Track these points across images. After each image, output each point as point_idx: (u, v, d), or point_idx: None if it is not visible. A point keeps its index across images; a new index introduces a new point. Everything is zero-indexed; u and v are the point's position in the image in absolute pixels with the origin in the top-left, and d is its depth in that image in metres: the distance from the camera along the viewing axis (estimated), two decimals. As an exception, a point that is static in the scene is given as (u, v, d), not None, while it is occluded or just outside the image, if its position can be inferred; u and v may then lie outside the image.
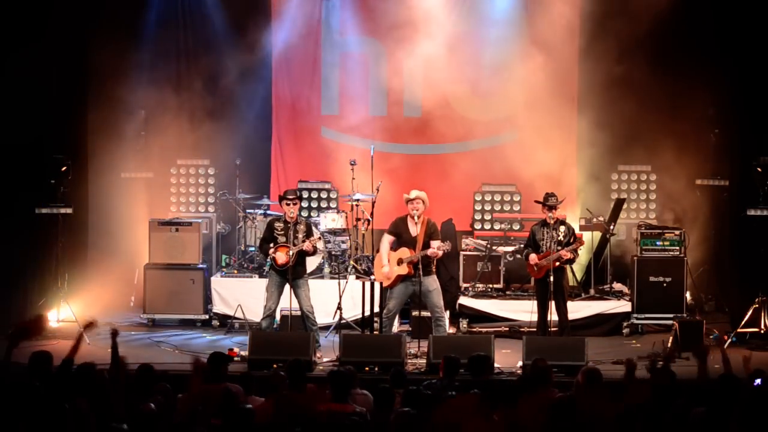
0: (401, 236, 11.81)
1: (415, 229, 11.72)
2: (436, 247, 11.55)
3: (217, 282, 13.84)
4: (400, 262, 11.70)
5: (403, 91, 15.09)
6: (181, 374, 9.19)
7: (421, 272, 11.56)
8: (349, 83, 15.17)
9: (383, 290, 12.35)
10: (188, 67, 14.83)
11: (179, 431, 7.15)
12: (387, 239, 11.91)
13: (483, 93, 15.07)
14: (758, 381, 7.76)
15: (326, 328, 12.74)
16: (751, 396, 7.29)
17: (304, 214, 14.63)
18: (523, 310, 12.78)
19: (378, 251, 12.21)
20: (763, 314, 12.72)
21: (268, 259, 12.00)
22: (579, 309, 13.20)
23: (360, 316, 12.49)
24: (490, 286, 13.87)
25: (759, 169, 12.94)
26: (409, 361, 11.39)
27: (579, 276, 13.90)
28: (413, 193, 11.79)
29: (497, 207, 14.94)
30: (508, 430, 7.12)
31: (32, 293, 13.19)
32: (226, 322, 13.49)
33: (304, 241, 11.75)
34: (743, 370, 8.08)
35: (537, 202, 12.25)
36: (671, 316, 12.98)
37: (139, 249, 14.22)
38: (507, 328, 13.30)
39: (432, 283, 11.76)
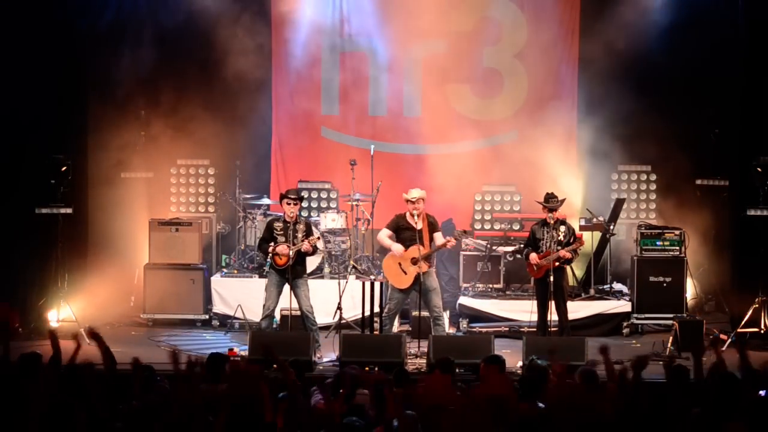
0: (403, 232, 11.79)
1: (417, 224, 11.70)
2: (447, 240, 11.61)
3: (217, 282, 13.85)
4: (415, 261, 11.66)
5: (403, 91, 15.10)
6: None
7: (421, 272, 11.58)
8: (349, 83, 15.17)
9: (383, 290, 12.35)
10: (188, 67, 14.81)
11: (174, 430, 7.13)
12: (386, 233, 11.89)
13: (483, 93, 15.09)
14: (763, 392, 7.72)
15: (326, 328, 12.74)
16: (755, 406, 7.26)
17: (304, 214, 14.63)
18: (523, 310, 12.77)
19: (378, 252, 12.22)
20: (763, 314, 12.73)
21: (268, 259, 11.99)
22: (579, 309, 13.20)
23: (360, 316, 12.49)
24: (490, 286, 13.89)
25: (759, 169, 12.94)
26: (409, 361, 11.39)
27: (579, 276, 13.91)
28: (414, 193, 11.78)
29: (497, 207, 14.96)
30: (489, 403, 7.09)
31: (32, 293, 13.18)
32: (226, 322, 13.50)
33: (303, 241, 11.76)
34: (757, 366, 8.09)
35: (538, 202, 12.25)
36: (671, 316, 12.99)
37: (139, 249, 14.23)
38: (507, 328, 13.29)
39: (432, 282, 11.77)
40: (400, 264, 11.77)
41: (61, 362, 8.41)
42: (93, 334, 8.45)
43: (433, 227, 11.77)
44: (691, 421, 7.19)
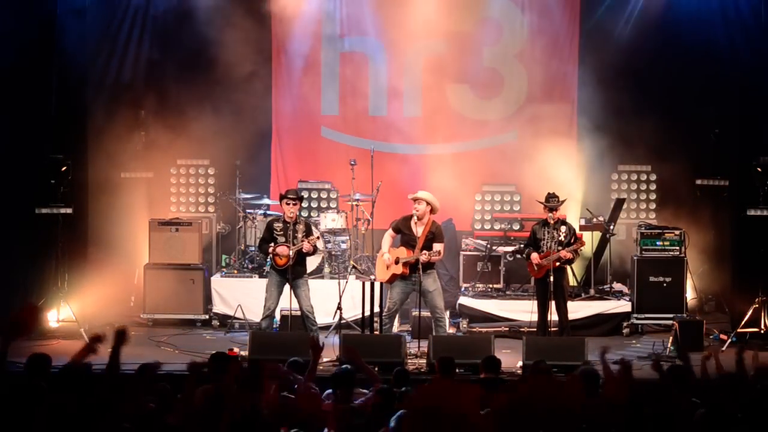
0: (403, 235, 11.83)
1: (417, 230, 11.73)
2: (427, 255, 11.53)
3: (217, 282, 13.85)
4: (397, 261, 11.72)
5: (403, 91, 15.10)
6: (181, 374, 9.15)
7: (420, 272, 11.57)
8: (349, 83, 15.17)
9: (383, 290, 12.35)
10: (188, 67, 14.81)
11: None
12: (388, 234, 11.94)
13: (483, 93, 15.09)
14: None
15: (326, 328, 12.74)
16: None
17: (304, 214, 14.64)
18: (523, 310, 12.78)
19: (380, 249, 12.24)
20: (763, 314, 12.73)
21: (268, 259, 11.99)
22: (579, 309, 13.20)
23: (360, 316, 12.49)
24: (490, 286, 13.89)
25: (759, 169, 12.95)
26: (409, 361, 11.38)
27: (579, 276, 13.90)
28: (417, 194, 11.84)
29: (497, 207, 14.96)
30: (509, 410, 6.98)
31: (32, 293, 13.16)
32: (226, 322, 13.49)
33: (303, 241, 11.76)
34: (750, 368, 8.07)
35: (539, 202, 12.27)
36: (671, 316, 12.99)
37: (139, 249, 14.23)
38: (507, 328, 13.29)
39: (432, 283, 11.76)
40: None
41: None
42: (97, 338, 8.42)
43: (432, 237, 11.73)
44: (697, 422, 7.18)
